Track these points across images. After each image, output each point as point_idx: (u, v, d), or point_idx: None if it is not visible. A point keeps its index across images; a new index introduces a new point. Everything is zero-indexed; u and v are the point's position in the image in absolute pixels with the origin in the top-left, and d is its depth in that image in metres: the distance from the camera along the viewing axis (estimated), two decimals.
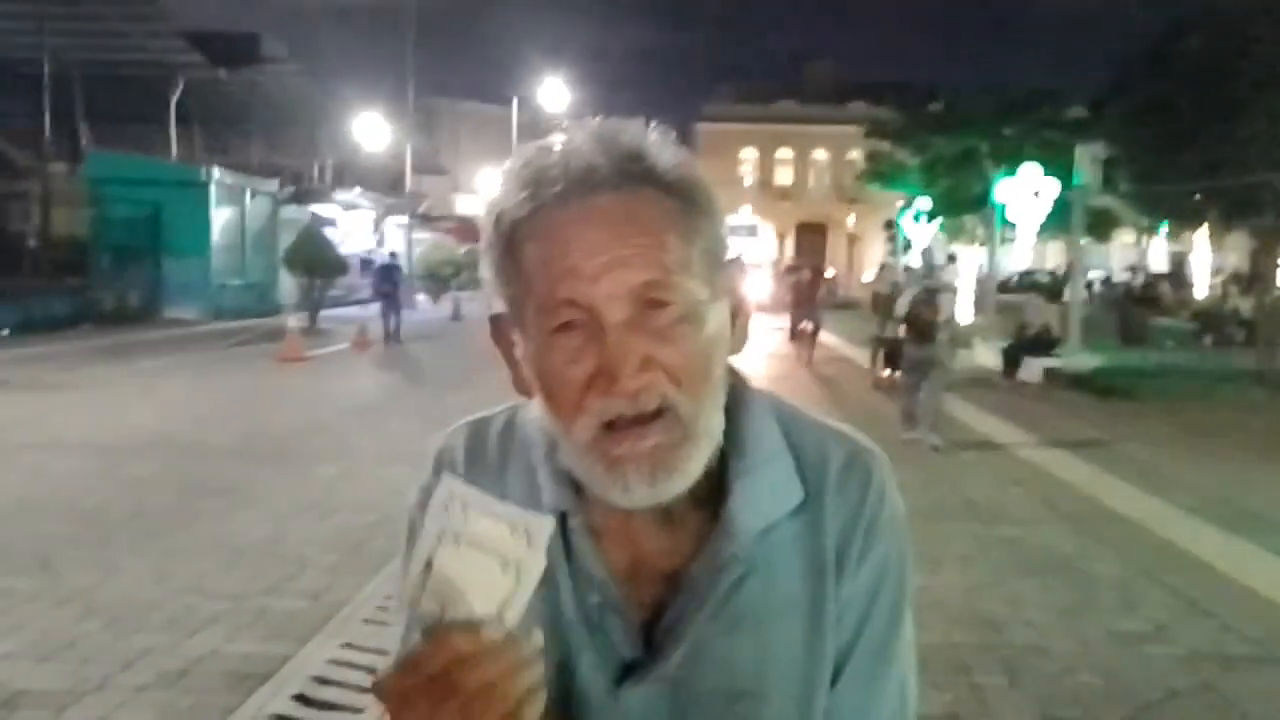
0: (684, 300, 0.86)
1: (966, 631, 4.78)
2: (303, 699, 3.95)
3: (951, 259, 22.20)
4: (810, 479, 0.96)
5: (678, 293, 0.85)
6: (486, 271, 0.92)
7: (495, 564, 0.72)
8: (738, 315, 0.94)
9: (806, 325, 18.23)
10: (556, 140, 0.89)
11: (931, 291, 11.74)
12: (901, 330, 11.14)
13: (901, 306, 11.56)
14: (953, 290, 14.68)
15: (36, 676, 4.10)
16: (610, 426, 0.85)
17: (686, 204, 0.88)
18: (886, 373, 13.97)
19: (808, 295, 18.73)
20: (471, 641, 0.72)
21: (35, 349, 16.73)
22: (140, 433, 9.71)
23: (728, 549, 0.92)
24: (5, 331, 18.49)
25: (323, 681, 4.11)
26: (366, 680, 4.10)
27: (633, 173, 0.86)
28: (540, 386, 0.89)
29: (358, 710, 3.86)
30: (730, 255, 0.92)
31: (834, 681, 0.95)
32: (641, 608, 0.94)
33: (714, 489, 0.93)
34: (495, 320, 0.95)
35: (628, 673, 0.93)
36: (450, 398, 12.49)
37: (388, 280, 21.11)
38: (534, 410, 0.99)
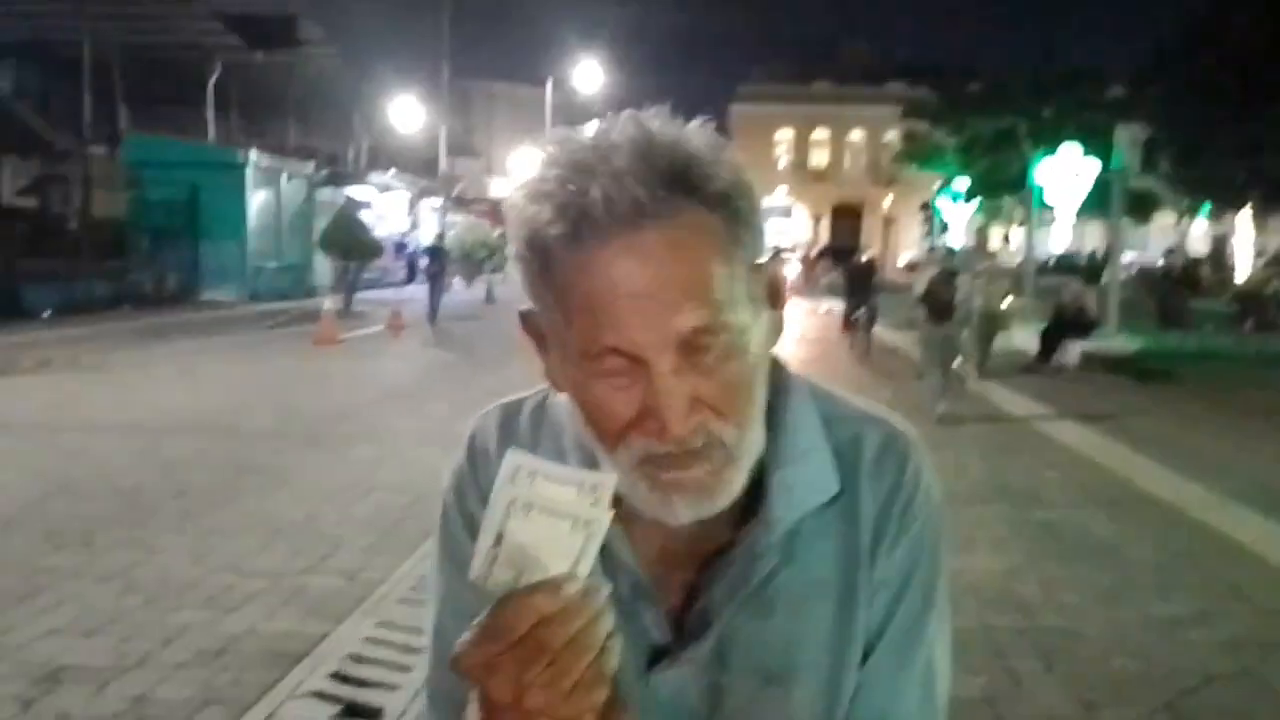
0: (729, 335, 0.85)
1: (1001, 615, 4.76)
2: (340, 676, 4.00)
3: (1006, 240, 21.15)
4: (846, 467, 0.96)
5: (724, 331, 0.84)
6: (517, 272, 0.90)
7: (565, 525, 0.75)
8: (774, 305, 0.92)
9: (861, 314, 17.07)
10: (590, 150, 0.84)
11: (949, 273, 12.29)
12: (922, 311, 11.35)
13: (919, 286, 11.63)
14: (1007, 274, 14.44)
15: (79, 652, 4.17)
16: (653, 456, 0.85)
17: (730, 217, 0.85)
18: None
19: (863, 280, 17.61)
20: (554, 600, 0.73)
21: (75, 330, 16.95)
22: (178, 414, 9.83)
23: (762, 539, 0.93)
24: (47, 313, 18.75)
25: (359, 659, 4.16)
26: (402, 658, 4.15)
27: (677, 195, 0.82)
28: (580, 411, 0.89)
29: (393, 687, 3.90)
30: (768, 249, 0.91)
31: (864, 662, 0.95)
32: (672, 593, 0.95)
33: (752, 480, 0.92)
34: (526, 315, 0.93)
35: (658, 657, 0.94)
36: (484, 379, 12.55)
37: (435, 262, 22.04)
38: (565, 398, 1.00)
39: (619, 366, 0.84)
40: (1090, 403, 11.35)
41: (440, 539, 1.03)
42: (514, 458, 0.76)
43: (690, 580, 0.95)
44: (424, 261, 23.46)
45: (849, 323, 17.83)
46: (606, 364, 0.84)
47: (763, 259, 0.90)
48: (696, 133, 0.85)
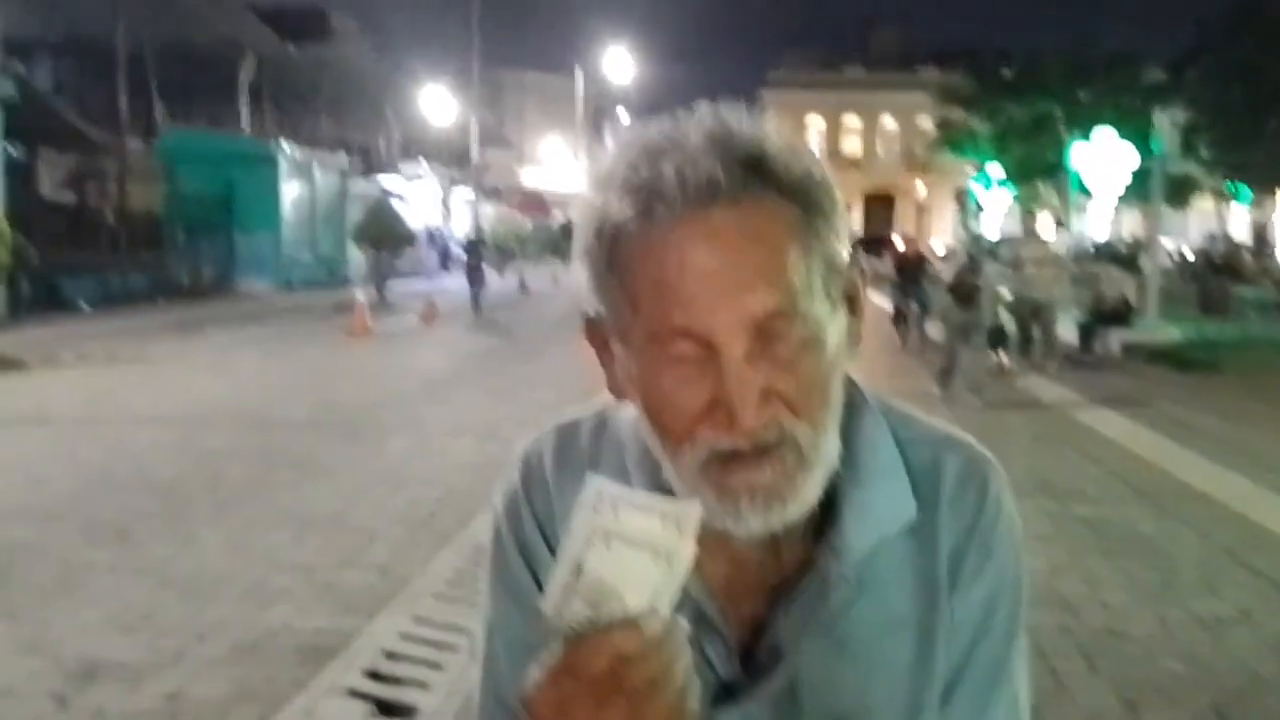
0: (805, 326, 0.79)
1: (1043, 613, 4.66)
2: (373, 674, 3.98)
3: (1061, 224, 20.18)
4: (923, 492, 0.90)
5: (799, 319, 0.79)
6: (583, 275, 0.85)
7: (647, 557, 0.70)
8: (853, 315, 0.87)
9: (911, 307, 16.00)
10: (664, 140, 0.81)
11: (975, 259, 12.57)
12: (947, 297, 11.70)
13: (947, 274, 11.70)
14: (1057, 262, 13.60)
15: (115, 648, 4.18)
16: (721, 457, 0.80)
17: (807, 208, 0.81)
18: (997, 360, 12.47)
19: (913, 272, 16.42)
20: (634, 638, 0.69)
21: (113, 323, 17.13)
22: (214, 405, 9.90)
23: (836, 568, 0.87)
24: (85, 306, 18.96)
25: (393, 656, 4.14)
26: (436, 655, 4.13)
27: (752, 180, 0.79)
28: (645, 407, 0.83)
29: (427, 685, 3.88)
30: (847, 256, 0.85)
31: (944, 701, 0.90)
32: (740, 625, 0.89)
33: (822, 505, 0.86)
34: (590, 322, 0.89)
35: (726, 694, 0.88)
36: (518, 370, 12.56)
37: (474, 254, 22.86)
38: (627, 413, 0.94)
39: (688, 353, 0.79)
40: (1132, 394, 11.18)
41: (494, 566, 0.98)
42: (596, 485, 0.72)
43: (758, 614, 0.89)
44: (456, 254, 24.12)
45: (899, 318, 16.76)
46: (675, 349, 0.79)
47: (844, 260, 0.84)
48: (774, 128, 0.82)
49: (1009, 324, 12.62)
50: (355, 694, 3.81)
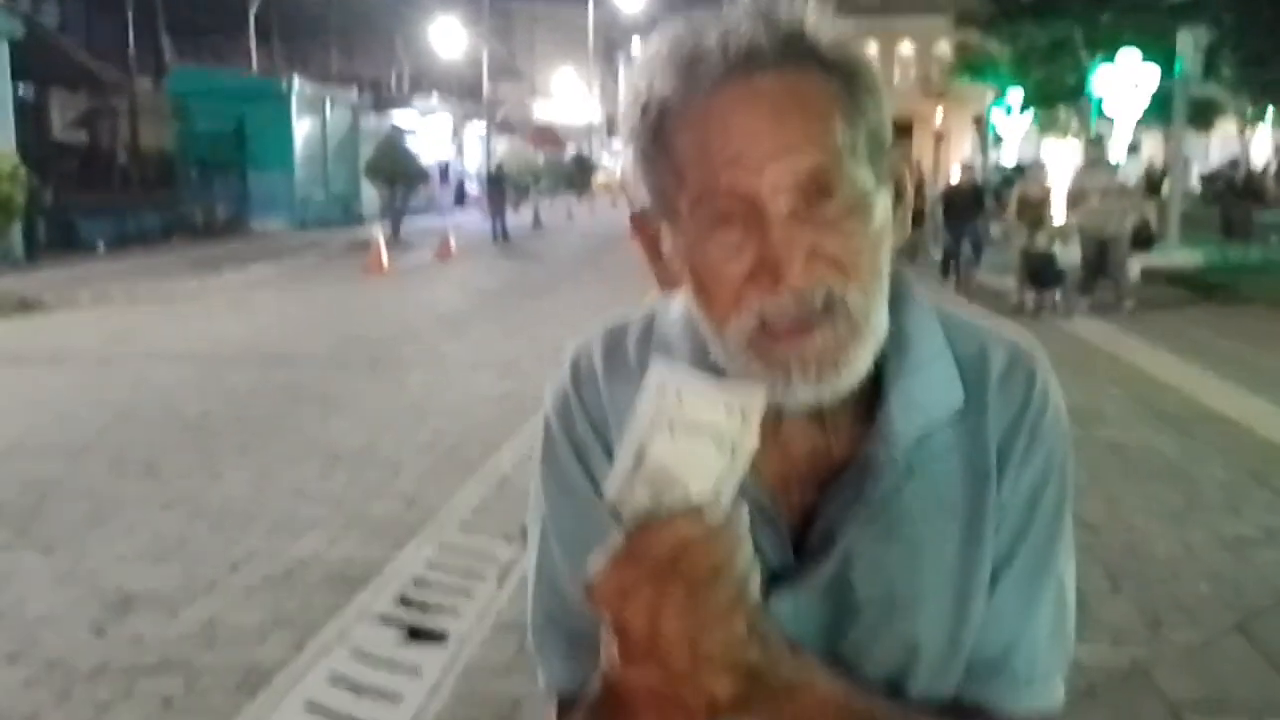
0: (851, 190, 0.79)
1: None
2: (403, 600, 4.04)
3: (1134, 149, 18.33)
4: (970, 380, 0.90)
5: (845, 181, 0.79)
6: (629, 162, 0.86)
7: (711, 445, 0.69)
8: (899, 203, 0.87)
9: (962, 250, 14.31)
10: (708, 19, 0.82)
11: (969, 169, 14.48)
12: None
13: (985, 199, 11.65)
14: (1127, 192, 12.21)
15: (150, 578, 4.26)
16: (770, 323, 0.80)
17: (851, 84, 0.81)
18: (1032, 295, 11.93)
19: (965, 207, 14.32)
20: (696, 525, 0.69)
21: (130, 263, 17.16)
22: (235, 343, 9.94)
23: (884, 453, 0.87)
24: (101, 246, 18.98)
25: (421, 583, 4.20)
26: (464, 582, 4.19)
27: (796, 51, 0.79)
28: (694, 283, 0.83)
29: (456, 611, 3.94)
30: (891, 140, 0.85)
31: (992, 587, 0.90)
32: (791, 514, 0.90)
33: (871, 390, 0.87)
34: (637, 216, 0.89)
35: (777, 582, 0.88)
36: (534, 304, 12.56)
37: (495, 188, 24.06)
38: (675, 311, 0.94)
39: (733, 214, 0.79)
40: (1152, 318, 11.10)
41: (545, 464, 0.98)
42: (660, 371, 0.71)
43: (808, 503, 0.90)
44: (473, 190, 24.93)
45: (947, 262, 14.70)
46: (720, 210, 0.79)
47: (888, 138, 0.84)
48: (816, 7, 0.83)
49: (1065, 259, 11.78)
50: (387, 620, 3.88)
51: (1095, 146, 12.80)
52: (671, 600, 0.69)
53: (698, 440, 0.69)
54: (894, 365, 0.88)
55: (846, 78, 0.81)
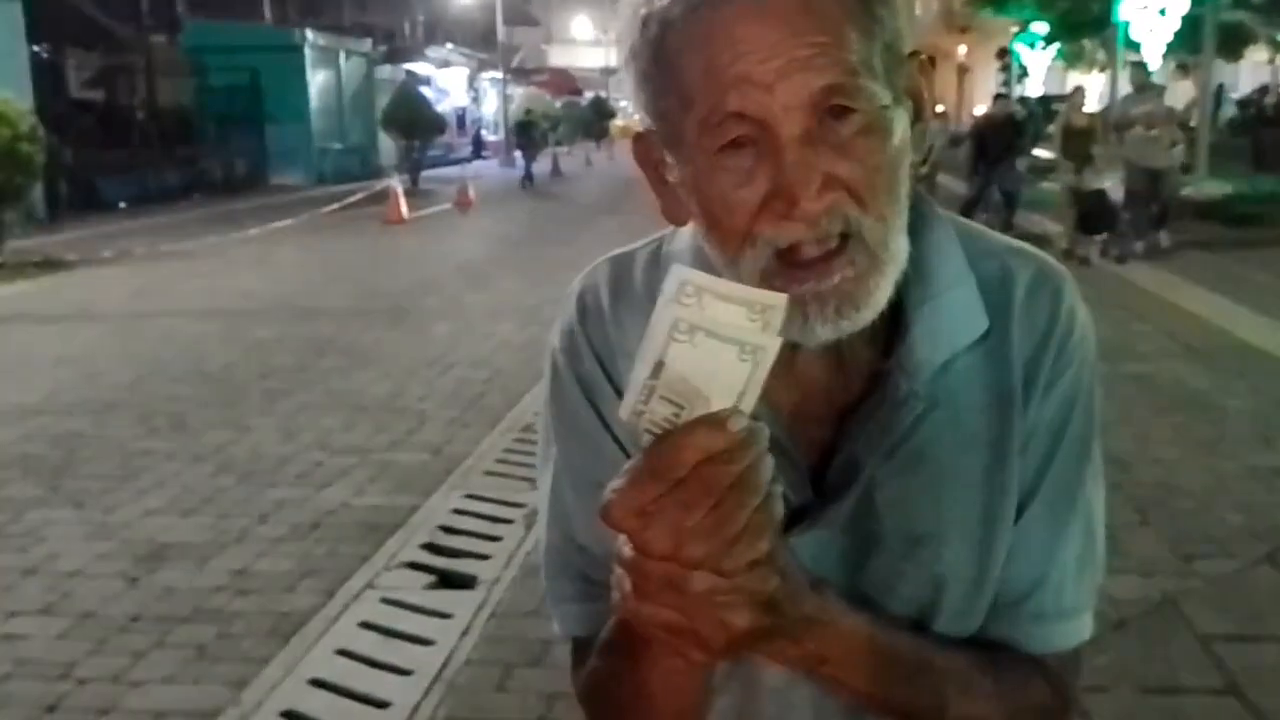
0: (868, 107, 0.74)
1: None
2: (431, 547, 4.07)
3: (1183, 69, 16.77)
4: (994, 304, 0.86)
5: (861, 99, 0.73)
6: (629, 84, 0.80)
7: (733, 352, 0.65)
8: (919, 119, 0.81)
9: (993, 194, 12.71)
10: None
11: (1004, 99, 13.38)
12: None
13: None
14: (1171, 120, 11.13)
15: (180, 530, 4.30)
16: (786, 256, 0.76)
17: None
18: (1092, 240, 10.71)
19: (1001, 144, 12.52)
20: (720, 436, 0.64)
21: (151, 219, 17.21)
22: (258, 297, 9.97)
23: (905, 385, 0.83)
24: (122, 204, 19.03)
25: (449, 530, 4.22)
26: (491, 529, 4.21)
27: None
28: (702, 213, 0.79)
29: (484, 556, 3.97)
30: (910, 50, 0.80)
31: (1018, 518, 0.87)
32: (809, 450, 0.87)
33: (890, 318, 0.82)
34: (640, 139, 0.84)
35: (797, 519, 0.85)
36: (554, 253, 12.51)
37: (525, 135, 24.90)
38: (683, 240, 0.90)
39: (744, 138, 0.74)
40: (1179, 250, 10.94)
41: (554, 404, 0.95)
42: (680, 272, 0.66)
43: (827, 438, 0.87)
44: (490, 138, 25.39)
45: (972, 206, 12.43)
46: (729, 135, 0.74)
47: (906, 50, 0.79)
48: None
49: (1114, 196, 10.68)
50: (416, 566, 3.91)
51: (1140, 71, 11.92)
52: (695, 516, 0.64)
53: (720, 347, 0.65)
54: (915, 293, 0.84)
55: None
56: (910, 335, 0.84)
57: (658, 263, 0.93)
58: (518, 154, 31.50)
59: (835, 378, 0.86)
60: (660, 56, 0.76)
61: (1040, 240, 11.67)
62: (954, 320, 0.85)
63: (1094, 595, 0.92)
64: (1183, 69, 16.43)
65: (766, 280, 0.75)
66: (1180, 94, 14.72)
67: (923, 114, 0.82)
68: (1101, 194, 10.61)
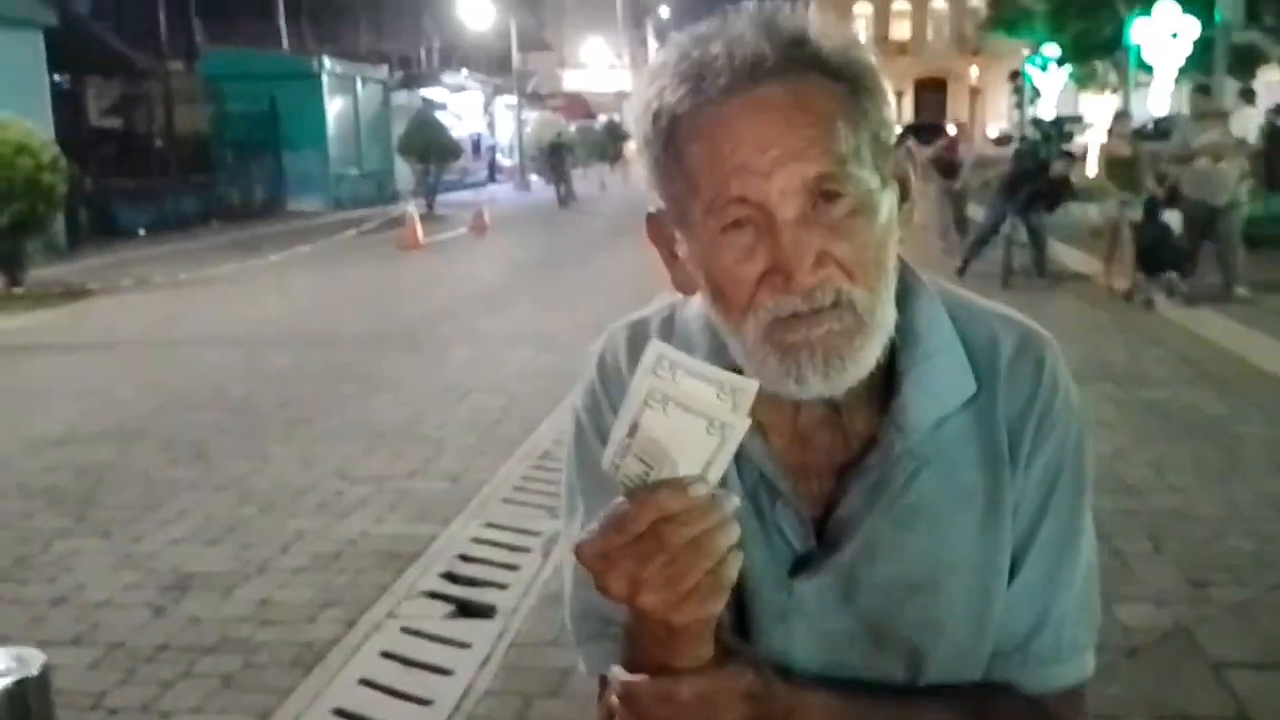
0: (857, 191, 0.83)
1: (1108, 498, 4.67)
2: (450, 576, 4.12)
3: (1249, 94, 14.87)
4: (981, 368, 0.94)
5: (851, 184, 0.83)
6: (643, 169, 0.90)
7: (701, 425, 0.73)
8: (904, 199, 0.90)
9: (1020, 231, 11.30)
10: (713, 29, 0.85)
11: (1035, 145, 12.28)
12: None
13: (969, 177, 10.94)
14: (1236, 148, 10.08)
15: (204, 560, 4.36)
16: (782, 318, 0.84)
17: (854, 88, 0.85)
18: (1133, 278, 9.70)
19: (1027, 182, 11.42)
20: (679, 498, 0.72)
21: (170, 247, 17.36)
22: (277, 324, 10.07)
23: (900, 443, 0.91)
24: (141, 231, 19.21)
25: (468, 559, 4.27)
26: (510, 557, 4.26)
27: (799, 59, 0.83)
28: (709, 286, 0.88)
29: (503, 585, 4.01)
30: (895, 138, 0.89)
31: (1013, 573, 0.94)
32: (813, 503, 0.94)
33: (883, 383, 0.91)
34: (653, 218, 0.93)
35: (800, 566, 0.93)
36: (572, 274, 12.60)
37: (557, 156, 26.56)
38: (694, 308, 0.98)
39: (745, 220, 0.83)
40: (1193, 274, 10.91)
41: (576, 460, 1.03)
42: (657, 348, 0.74)
43: (828, 492, 0.94)
44: (504, 162, 25.37)
45: (985, 239, 11.49)
46: (732, 217, 0.83)
47: (892, 140, 0.88)
48: (817, 14, 0.87)
49: (1175, 233, 9.82)
50: (435, 595, 3.96)
51: (1205, 97, 11.24)
52: (648, 569, 0.72)
53: (689, 418, 0.72)
54: (905, 357, 0.91)
55: (849, 82, 0.84)
56: (902, 396, 0.91)
57: (671, 327, 1.01)
58: (533, 177, 31.77)
59: (836, 437, 0.93)
60: (670, 145, 0.86)
61: (1082, 280, 11.14)
62: (943, 382, 0.92)
63: (1093, 634, 0.98)
64: (1248, 94, 14.98)
65: (766, 338, 0.84)
66: (1245, 122, 13.45)
67: (908, 194, 0.90)
68: (1167, 229, 9.85)
